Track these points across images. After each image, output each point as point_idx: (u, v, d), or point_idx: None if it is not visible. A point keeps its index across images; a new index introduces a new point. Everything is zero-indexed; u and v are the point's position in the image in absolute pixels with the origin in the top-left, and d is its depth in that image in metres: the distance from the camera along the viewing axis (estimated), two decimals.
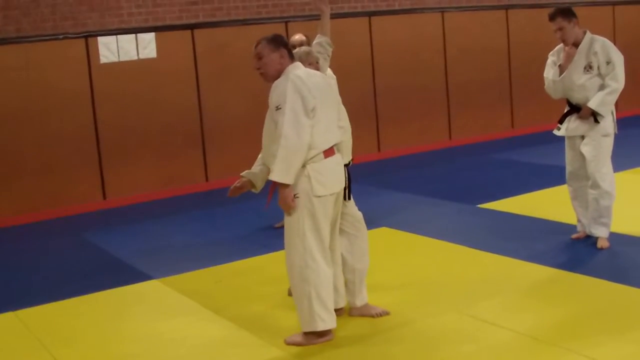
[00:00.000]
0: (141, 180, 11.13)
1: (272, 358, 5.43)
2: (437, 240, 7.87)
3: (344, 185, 5.73)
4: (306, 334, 5.53)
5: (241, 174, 5.95)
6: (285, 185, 5.39)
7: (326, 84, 5.68)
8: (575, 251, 7.31)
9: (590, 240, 7.43)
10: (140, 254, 8.31)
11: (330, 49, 6.60)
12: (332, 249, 5.73)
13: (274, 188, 5.53)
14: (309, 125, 5.35)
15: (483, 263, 7.12)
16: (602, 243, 7.28)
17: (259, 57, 5.60)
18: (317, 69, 6.04)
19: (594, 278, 6.48)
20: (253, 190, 5.97)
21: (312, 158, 5.43)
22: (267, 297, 6.63)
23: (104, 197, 10.94)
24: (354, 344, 5.52)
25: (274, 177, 5.37)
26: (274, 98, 5.46)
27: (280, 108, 5.37)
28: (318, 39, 6.61)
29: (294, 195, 5.44)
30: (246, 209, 9.79)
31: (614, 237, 7.35)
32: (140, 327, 6.26)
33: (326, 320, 5.48)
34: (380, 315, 5.95)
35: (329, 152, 5.52)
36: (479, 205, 9.02)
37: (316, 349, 5.46)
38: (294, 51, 6.06)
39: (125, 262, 8.03)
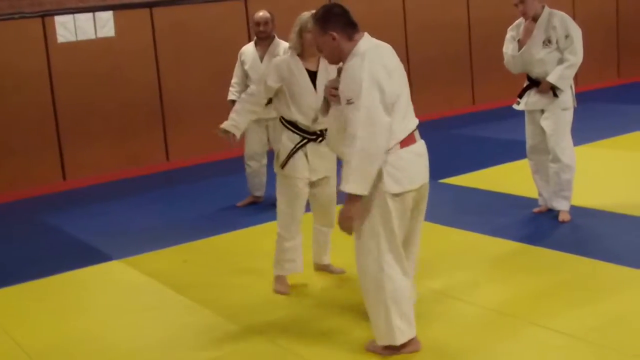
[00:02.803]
0: (101, 161, 11.04)
1: (234, 335, 5.43)
2: None
3: (426, 180, 4.96)
4: (385, 347, 4.93)
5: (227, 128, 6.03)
6: (357, 198, 4.64)
7: (397, 58, 4.94)
8: (537, 225, 7.36)
9: (551, 213, 7.48)
10: (101, 235, 8.24)
11: None
12: (410, 250, 5.11)
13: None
14: (388, 124, 4.59)
15: (445, 238, 7.15)
16: (564, 216, 7.33)
17: (315, 40, 5.03)
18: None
19: (556, 251, 6.53)
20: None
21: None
22: (230, 276, 6.62)
23: (64, 178, 10.84)
24: (318, 315, 5.53)
25: (350, 188, 4.57)
26: (345, 88, 4.65)
27: (352, 102, 4.57)
28: None
29: None
30: (209, 188, 9.75)
31: (575, 210, 7.41)
32: (102, 309, 6.23)
33: (405, 332, 4.85)
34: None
35: (406, 141, 4.76)
36: (440, 181, 9.03)
37: (278, 321, 5.46)
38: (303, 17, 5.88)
39: (87, 244, 7.96)
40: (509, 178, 9.04)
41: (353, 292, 5.75)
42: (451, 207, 8.13)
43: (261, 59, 8.35)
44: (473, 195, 8.58)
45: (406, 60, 13.79)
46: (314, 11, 5.86)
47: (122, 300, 6.35)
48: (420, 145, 4.90)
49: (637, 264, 6.07)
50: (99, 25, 10.83)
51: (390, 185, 4.68)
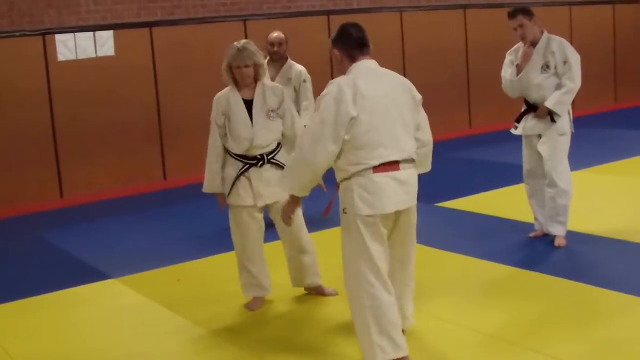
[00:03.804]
0: (99, 179, 11.05)
1: (227, 354, 5.43)
2: None
3: (403, 208, 4.96)
4: None
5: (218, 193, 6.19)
6: (295, 197, 5.10)
7: (394, 89, 5.01)
8: (533, 250, 7.36)
9: (547, 238, 7.48)
10: (98, 253, 8.23)
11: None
12: (392, 274, 5.05)
13: (336, 191, 5.02)
14: (335, 144, 4.75)
15: (441, 262, 7.15)
16: (560, 241, 7.34)
17: None
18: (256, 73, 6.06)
19: (552, 276, 6.53)
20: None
21: (358, 172, 4.79)
22: (224, 296, 6.61)
23: (61, 195, 10.85)
24: (310, 334, 5.54)
25: (287, 189, 5.13)
26: (317, 100, 4.96)
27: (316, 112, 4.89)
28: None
29: (343, 210, 4.86)
30: (204, 208, 9.74)
31: (571, 235, 7.41)
32: (97, 326, 6.23)
33: (387, 350, 4.78)
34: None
35: (384, 168, 4.80)
36: (437, 204, 9.04)
37: (272, 341, 5.46)
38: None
39: (83, 262, 7.96)
40: (505, 202, 9.05)
41: (345, 312, 5.74)
42: (447, 231, 8.13)
43: (273, 79, 8.20)
44: (469, 219, 8.59)
45: None
46: (245, 41, 6.09)
47: (117, 318, 6.35)
48: (404, 174, 4.92)
49: (633, 290, 6.06)
50: (99, 44, 10.87)
51: (360, 207, 4.75)
